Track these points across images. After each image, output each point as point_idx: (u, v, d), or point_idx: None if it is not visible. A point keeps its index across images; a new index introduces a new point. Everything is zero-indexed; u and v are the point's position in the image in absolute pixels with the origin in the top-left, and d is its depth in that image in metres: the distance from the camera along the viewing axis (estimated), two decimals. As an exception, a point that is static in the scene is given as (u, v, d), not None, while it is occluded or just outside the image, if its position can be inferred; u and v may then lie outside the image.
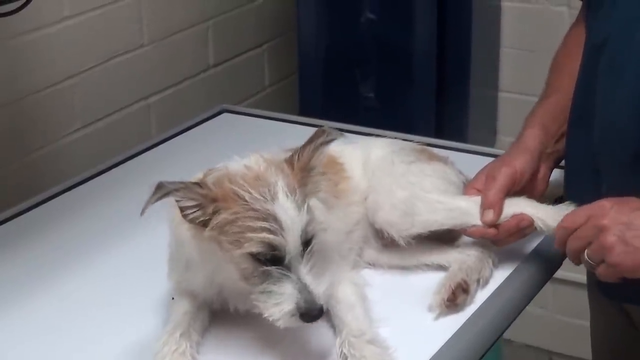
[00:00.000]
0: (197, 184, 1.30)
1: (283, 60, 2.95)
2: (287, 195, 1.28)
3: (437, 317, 1.45)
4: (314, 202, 1.36)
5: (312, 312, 1.26)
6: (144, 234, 1.68)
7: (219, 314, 1.44)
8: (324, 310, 1.28)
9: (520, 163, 1.57)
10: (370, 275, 1.54)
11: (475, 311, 1.46)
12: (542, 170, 1.62)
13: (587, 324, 1.81)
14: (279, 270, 1.27)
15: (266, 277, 1.28)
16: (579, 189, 1.56)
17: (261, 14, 2.84)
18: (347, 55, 2.78)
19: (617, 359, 1.77)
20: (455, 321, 1.44)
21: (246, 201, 1.27)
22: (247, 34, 2.81)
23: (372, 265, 1.58)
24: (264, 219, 1.26)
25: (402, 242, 1.52)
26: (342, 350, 1.34)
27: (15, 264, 1.65)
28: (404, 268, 1.57)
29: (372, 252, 1.58)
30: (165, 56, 2.51)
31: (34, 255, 1.68)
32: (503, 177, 1.54)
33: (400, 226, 1.52)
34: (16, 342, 1.45)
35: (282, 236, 1.26)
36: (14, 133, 2.14)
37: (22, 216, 1.82)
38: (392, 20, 2.71)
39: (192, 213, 1.30)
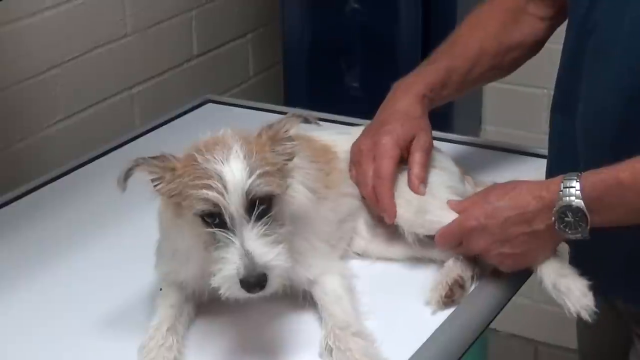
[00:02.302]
0: (156, 157, 1.30)
1: (267, 50, 2.94)
2: (239, 157, 1.26)
3: (434, 313, 1.43)
4: (297, 185, 1.36)
5: (249, 278, 1.22)
6: (130, 225, 1.69)
7: (203, 305, 1.43)
8: (267, 278, 1.23)
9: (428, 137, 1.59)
10: (358, 266, 1.54)
11: (462, 302, 1.45)
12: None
13: (573, 313, 1.80)
14: (224, 234, 1.25)
15: (213, 240, 1.26)
16: (560, 174, 1.55)
17: (245, 3, 2.83)
18: (332, 45, 2.77)
19: (603, 348, 1.77)
20: (441, 313, 1.43)
21: (198, 162, 1.27)
22: (231, 24, 2.80)
23: (361, 255, 1.57)
24: (209, 177, 1.25)
25: (410, 239, 1.52)
26: (327, 343, 1.33)
27: (-2, 257, 1.64)
28: (393, 260, 1.57)
29: (361, 242, 1.58)
30: (148, 46, 2.49)
31: (17, 247, 1.67)
32: (390, 167, 1.53)
33: (413, 223, 1.51)
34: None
35: (223, 195, 1.24)
36: (-4, 124, 2.12)
37: (5, 208, 1.81)
38: (377, 9, 2.70)
39: (157, 185, 1.30)
